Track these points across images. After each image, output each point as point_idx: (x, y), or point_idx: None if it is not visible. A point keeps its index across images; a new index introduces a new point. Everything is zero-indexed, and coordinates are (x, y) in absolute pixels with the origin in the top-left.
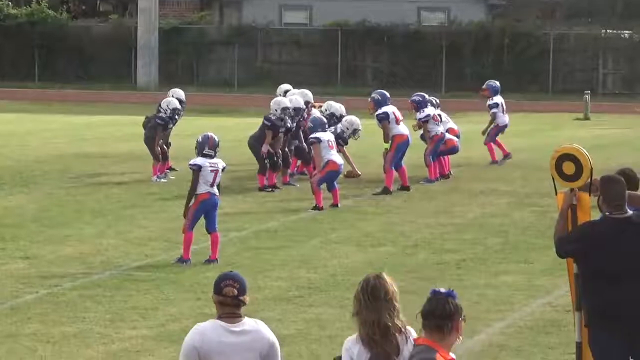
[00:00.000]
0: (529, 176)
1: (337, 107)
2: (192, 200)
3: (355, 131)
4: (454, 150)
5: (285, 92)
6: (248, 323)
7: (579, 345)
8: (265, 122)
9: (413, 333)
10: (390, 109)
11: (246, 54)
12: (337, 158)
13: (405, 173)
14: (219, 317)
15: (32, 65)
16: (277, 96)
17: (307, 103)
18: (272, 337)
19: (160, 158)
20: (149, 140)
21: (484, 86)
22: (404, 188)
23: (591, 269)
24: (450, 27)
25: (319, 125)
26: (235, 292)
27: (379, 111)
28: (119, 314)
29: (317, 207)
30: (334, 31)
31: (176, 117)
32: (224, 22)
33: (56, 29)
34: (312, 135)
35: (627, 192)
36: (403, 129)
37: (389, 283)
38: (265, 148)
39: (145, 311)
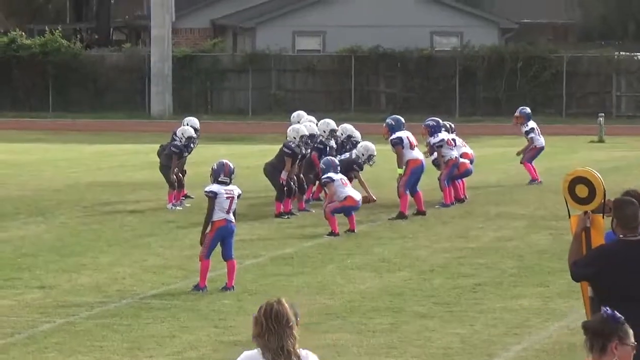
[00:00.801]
0: (544, 199)
1: (353, 130)
2: (209, 228)
3: (370, 157)
4: (467, 173)
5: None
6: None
7: None
8: (286, 149)
9: (310, 357)
10: (404, 134)
11: (260, 81)
12: (355, 194)
13: (421, 198)
14: None
15: (46, 95)
16: (292, 123)
17: (333, 131)
18: None
19: (176, 186)
20: (165, 169)
21: (517, 114)
22: (420, 213)
23: (606, 291)
24: (463, 51)
25: (330, 167)
26: None
27: (393, 136)
28: (136, 342)
29: (332, 233)
30: (347, 57)
31: (191, 145)
32: (237, 49)
33: (70, 59)
34: (324, 176)
35: None
36: (417, 154)
37: (289, 310)
38: (284, 175)
39: (162, 339)
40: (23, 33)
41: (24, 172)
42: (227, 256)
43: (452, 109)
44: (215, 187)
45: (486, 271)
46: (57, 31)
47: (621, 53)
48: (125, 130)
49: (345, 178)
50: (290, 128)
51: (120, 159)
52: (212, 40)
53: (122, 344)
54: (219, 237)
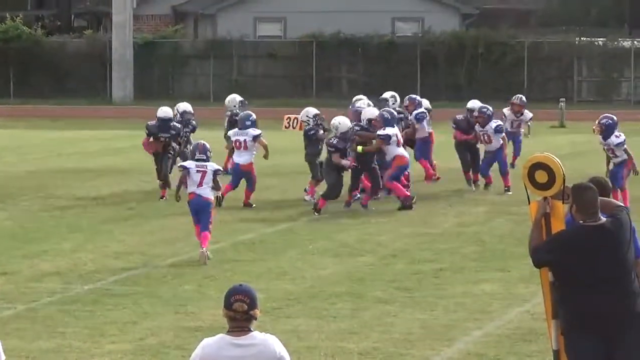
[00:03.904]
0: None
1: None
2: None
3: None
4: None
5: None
6: (256, 336)
7: (556, 353)
8: (330, 148)
9: None
10: (393, 131)
11: (221, 67)
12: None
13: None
14: (227, 331)
15: (8, 81)
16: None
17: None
18: (281, 351)
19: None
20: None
21: (407, 102)
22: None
23: (568, 277)
24: (424, 37)
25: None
26: (246, 307)
27: (382, 132)
28: (98, 328)
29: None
30: (309, 43)
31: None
32: (199, 35)
33: (31, 45)
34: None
35: (600, 198)
36: (403, 151)
37: None
38: (348, 163)
39: (123, 325)
40: None
41: None
42: (202, 229)
43: (413, 94)
44: (187, 163)
45: (447, 256)
46: (19, 18)
47: (582, 38)
48: (87, 116)
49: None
50: (337, 119)
51: (81, 145)
52: (173, 26)
53: (83, 330)
54: (192, 210)
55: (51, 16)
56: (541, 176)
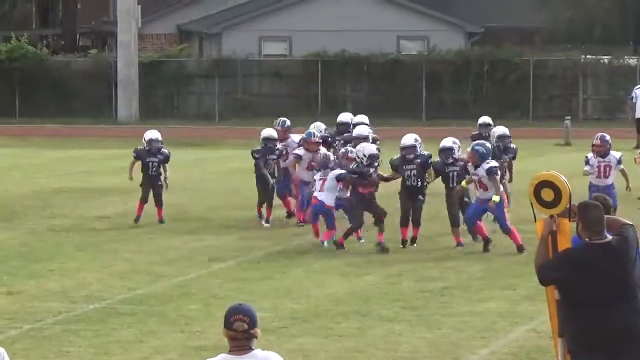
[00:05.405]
0: (511, 202)
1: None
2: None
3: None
4: None
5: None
6: (257, 354)
7: None
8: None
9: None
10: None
11: (226, 86)
12: None
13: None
14: (229, 351)
15: (13, 101)
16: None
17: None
18: None
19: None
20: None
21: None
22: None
23: (574, 295)
24: (429, 55)
25: None
26: (246, 326)
27: (489, 165)
28: (103, 347)
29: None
30: (314, 62)
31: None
32: (204, 54)
33: (36, 65)
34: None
35: (606, 216)
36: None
37: None
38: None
39: (129, 344)
40: None
41: None
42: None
43: (418, 113)
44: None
45: (453, 275)
46: (23, 38)
47: (587, 56)
48: (92, 135)
49: None
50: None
51: (87, 164)
52: (178, 45)
53: (89, 350)
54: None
55: (56, 35)
56: (547, 194)
